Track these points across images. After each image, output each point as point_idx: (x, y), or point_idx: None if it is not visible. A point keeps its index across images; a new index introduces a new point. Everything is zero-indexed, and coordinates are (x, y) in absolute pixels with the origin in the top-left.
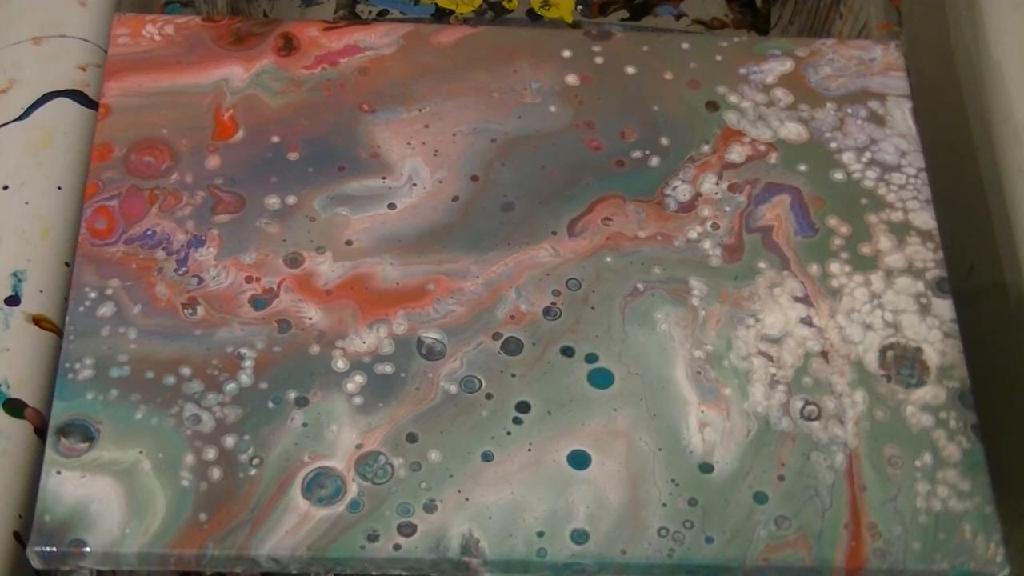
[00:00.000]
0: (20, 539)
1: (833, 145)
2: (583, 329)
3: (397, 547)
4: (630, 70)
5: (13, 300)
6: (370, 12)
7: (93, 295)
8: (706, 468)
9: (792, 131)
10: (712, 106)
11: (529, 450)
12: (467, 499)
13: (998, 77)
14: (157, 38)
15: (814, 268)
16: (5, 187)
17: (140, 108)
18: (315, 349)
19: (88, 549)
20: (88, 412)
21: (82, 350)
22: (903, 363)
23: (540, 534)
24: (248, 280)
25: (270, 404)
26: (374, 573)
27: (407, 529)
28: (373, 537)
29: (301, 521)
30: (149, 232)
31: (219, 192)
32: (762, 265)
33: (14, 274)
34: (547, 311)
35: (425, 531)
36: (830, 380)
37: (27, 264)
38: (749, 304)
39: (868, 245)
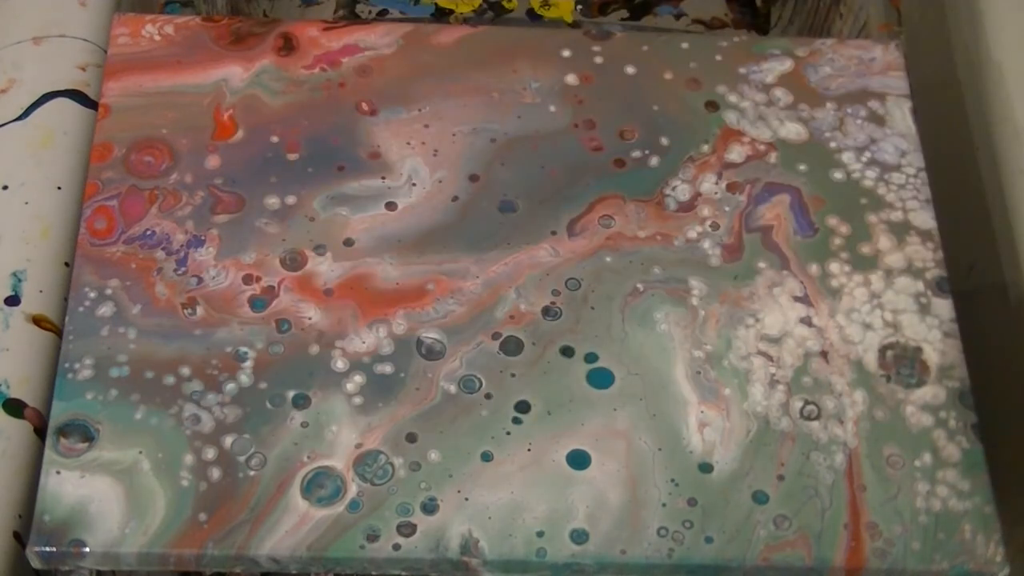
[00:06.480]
0: (20, 539)
1: (833, 145)
2: (583, 329)
3: (397, 547)
4: (630, 70)
5: (13, 300)
6: (370, 12)
7: (93, 295)
8: (706, 468)
9: (792, 131)
10: (712, 106)
11: (529, 450)
12: (467, 499)
13: (998, 77)
14: (157, 38)
15: (814, 268)
16: (5, 187)
17: (140, 108)
18: (315, 349)
19: (88, 549)
20: (88, 412)
21: (82, 350)
22: (903, 363)
23: (540, 534)
24: (247, 280)
25: (269, 404)
26: (374, 573)
27: (407, 529)
28: (373, 537)
29: (301, 521)
30: (149, 232)
31: (219, 192)
32: (762, 265)
33: (14, 274)
34: (547, 311)
35: (425, 531)
36: (830, 380)
37: (27, 264)
38: (749, 304)
39: (868, 245)
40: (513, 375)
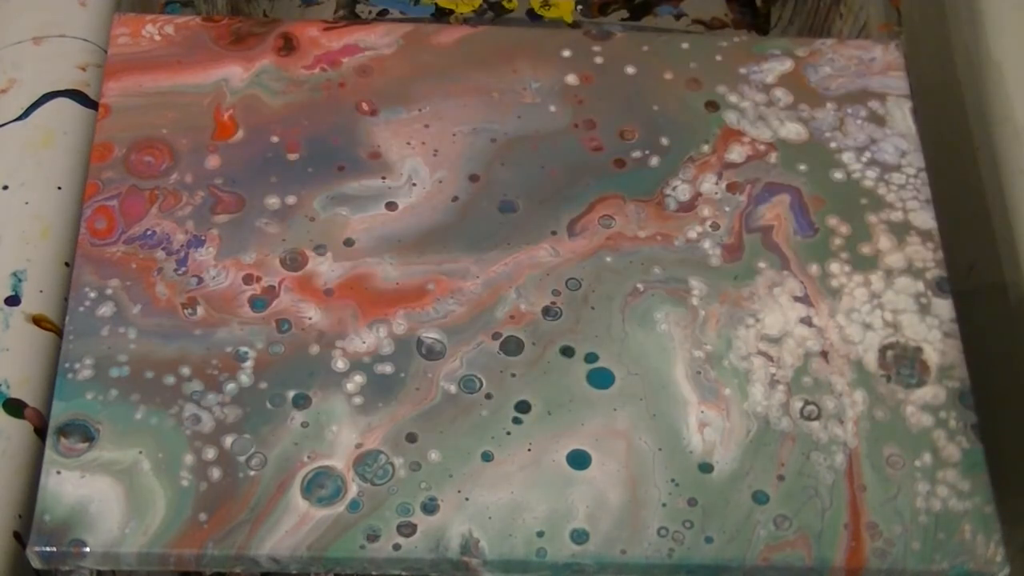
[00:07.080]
0: (20, 539)
1: (833, 145)
2: (583, 329)
3: (397, 547)
4: (630, 70)
5: (13, 300)
6: (370, 12)
7: (93, 295)
8: (706, 468)
9: (792, 131)
10: (712, 106)
11: (529, 450)
12: (467, 499)
13: (998, 77)
14: (157, 38)
15: (814, 268)
16: (5, 187)
17: (140, 108)
18: (315, 349)
19: (88, 549)
20: (88, 412)
21: (82, 350)
22: (903, 363)
23: (540, 534)
24: (248, 280)
25: (270, 404)
26: (374, 573)
27: (407, 529)
28: (373, 537)
29: (301, 521)
30: (149, 232)
31: (219, 192)
32: (762, 265)
33: (14, 274)
34: (547, 311)
35: (425, 531)
36: (830, 380)
37: (27, 264)
38: (749, 304)
39: (868, 245)
40: (513, 375)
